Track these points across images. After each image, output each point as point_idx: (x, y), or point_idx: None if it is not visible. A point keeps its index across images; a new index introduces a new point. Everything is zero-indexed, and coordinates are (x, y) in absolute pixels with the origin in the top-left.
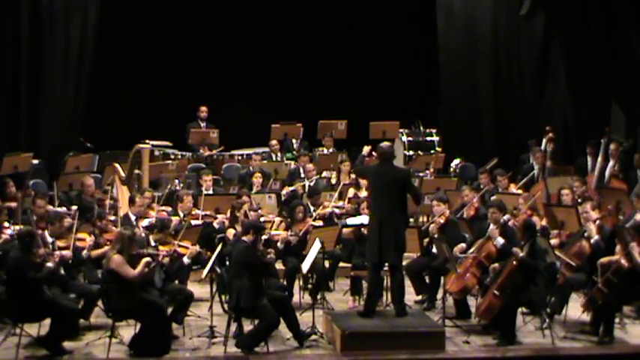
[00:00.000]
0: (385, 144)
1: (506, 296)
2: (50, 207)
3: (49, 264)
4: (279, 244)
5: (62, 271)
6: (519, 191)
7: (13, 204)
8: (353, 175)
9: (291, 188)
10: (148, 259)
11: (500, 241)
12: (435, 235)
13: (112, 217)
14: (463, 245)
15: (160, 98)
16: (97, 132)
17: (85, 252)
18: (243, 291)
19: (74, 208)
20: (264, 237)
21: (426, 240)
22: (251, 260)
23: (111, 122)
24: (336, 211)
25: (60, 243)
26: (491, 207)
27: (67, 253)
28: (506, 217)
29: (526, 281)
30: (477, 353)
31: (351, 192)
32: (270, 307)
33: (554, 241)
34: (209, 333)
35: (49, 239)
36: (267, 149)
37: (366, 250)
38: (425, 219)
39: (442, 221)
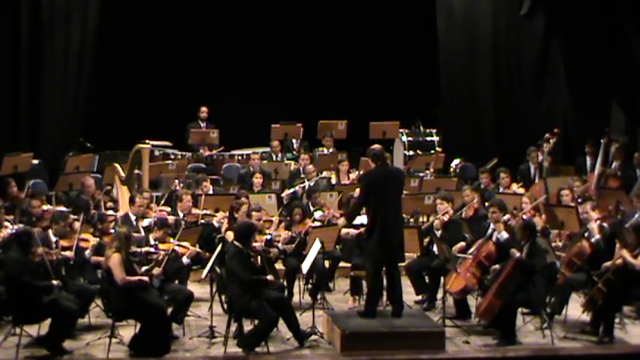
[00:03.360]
0: (377, 146)
1: (506, 296)
2: (48, 206)
3: (55, 282)
4: (279, 244)
5: (63, 272)
6: (521, 190)
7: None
8: (352, 175)
9: (291, 190)
10: (145, 278)
11: (505, 235)
12: (438, 232)
13: (112, 218)
14: (463, 244)
15: (160, 98)
16: (97, 132)
17: (87, 252)
18: (235, 296)
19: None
20: (266, 237)
21: (427, 239)
22: (236, 267)
23: (111, 122)
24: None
25: (63, 242)
26: (491, 206)
27: (70, 253)
28: (506, 217)
29: (526, 281)
30: (476, 353)
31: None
32: (267, 307)
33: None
34: (209, 333)
35: (53, 238)
36: (267, 149)
37: (370, 254)
38: (425, 219)
39: (445, 219)
